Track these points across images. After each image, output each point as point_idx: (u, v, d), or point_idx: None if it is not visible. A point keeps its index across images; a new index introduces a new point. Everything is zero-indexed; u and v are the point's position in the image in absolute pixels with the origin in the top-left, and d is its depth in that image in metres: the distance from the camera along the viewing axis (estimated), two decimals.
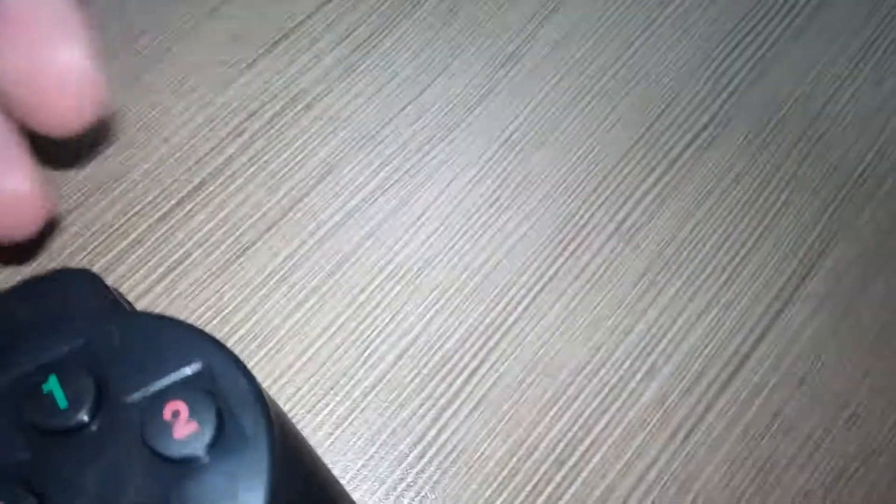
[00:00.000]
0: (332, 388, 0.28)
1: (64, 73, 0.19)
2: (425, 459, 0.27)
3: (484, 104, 0.32)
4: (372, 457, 0.27)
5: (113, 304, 0.24)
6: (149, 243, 0.29)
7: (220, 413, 0.20)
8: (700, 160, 0.32)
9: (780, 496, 0.28)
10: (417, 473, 0.27)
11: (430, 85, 0.32)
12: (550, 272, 0.30)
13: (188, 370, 0.20)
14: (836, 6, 0.35)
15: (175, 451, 0.19)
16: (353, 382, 0.28)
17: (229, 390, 0.20)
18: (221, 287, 0.29)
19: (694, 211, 0.31)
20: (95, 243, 0.28)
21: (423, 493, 0.27)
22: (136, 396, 0.20)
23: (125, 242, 0.29)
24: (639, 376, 0.29)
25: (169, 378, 0.20)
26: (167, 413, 0.20)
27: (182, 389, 0.20)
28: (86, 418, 0.20)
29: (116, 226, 0.29)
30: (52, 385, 0.20)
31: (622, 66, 0.33)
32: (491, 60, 0.32)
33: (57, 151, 0.29)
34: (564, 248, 0.30)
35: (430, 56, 0.32)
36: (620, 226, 0.31)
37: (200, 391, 0.20)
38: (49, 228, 0.28)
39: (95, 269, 0.28)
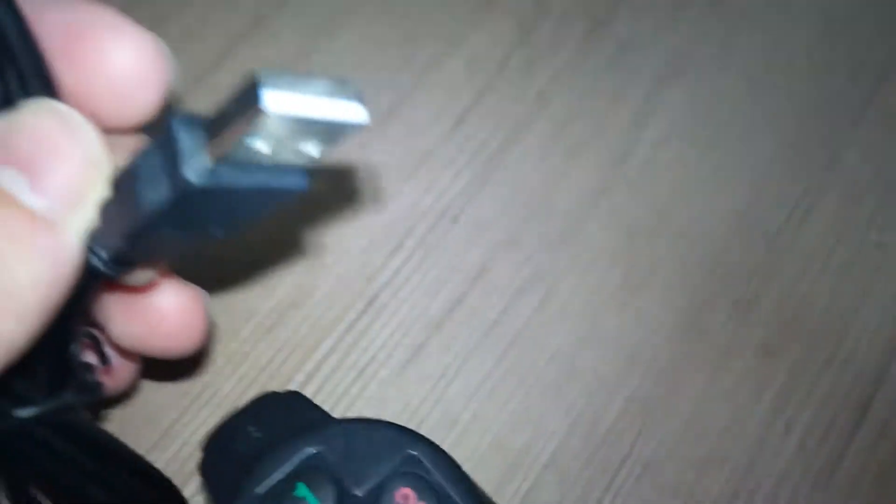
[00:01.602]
0: (514, 465, 0.31)
1: (124, 69, 0.19)
2: None
3: (604, 201, 0.36)
4: None
5: (323, 415, 0.28)
6: (339, 352, 0.33)
7: (438, 492, 0.24)
8: (799, 232, 0.36)
9: None
10: None
11: (555, 189, 0.36)
12: (686, 346, 0.34)
13: (402, 461, 0.25)
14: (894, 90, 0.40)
15: None
16: (531, 458, 0.32)
17: (437, 471, 0.25)
18: (405, 384, 0.32)
19: (801, 278, 0.35)
20: (295, 355, 0.32)
21: None
22: (366, 489, 0.24)
23: (319, 354, 0.32)
24: (779, 429, 0.33)
25: (388, 469, 0.25)
26: (399, 498, 0.24)
27: (403, 477, 0.24)
28: None
29: (309, 340, 0.33)
30: (303, 491, 0.24)
31: (715, 160, 0.38)
32: (604, 162, 0.37)
33: (247, 279, 0.33)
34: (694, 324, 0.34)
35: (550, 164, 0.37)
36: (737, 301, 0.35)
37: (418, 477, 0.24)
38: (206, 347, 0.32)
39: (296, 379, 0.32)
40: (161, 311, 0.23)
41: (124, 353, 0.25)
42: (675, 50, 0.40)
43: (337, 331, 0.33)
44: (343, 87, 0.16)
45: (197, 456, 0.27)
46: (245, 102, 0.15)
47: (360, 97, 0.16)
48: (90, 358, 0.23)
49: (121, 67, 0.19)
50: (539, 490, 0.31)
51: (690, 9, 0.41)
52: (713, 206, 0.36)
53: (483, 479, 0.31)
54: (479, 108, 0.38)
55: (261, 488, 0.24)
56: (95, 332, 0.24)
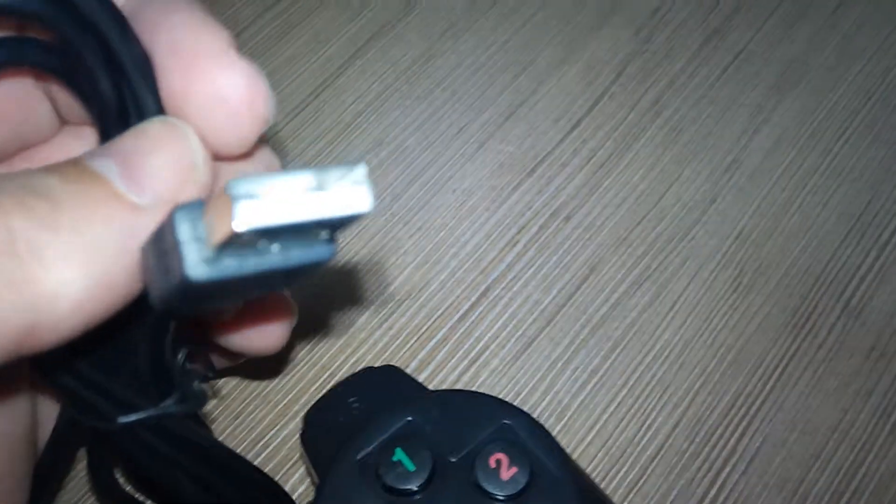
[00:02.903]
0: (620, 457, 0.32)
1: (221, 91, 0.20)
2: None
3: (714, 206, 0.37)
4: (608, 495, 0.31)
5: (419, 387, 0.29)
6: (452, 341, 0.34)
7: (531, 458, 0.25)
8: None
9: None
10: None
11: (665, 194, 0.37)
12: (794, 347, 0.34)
13: (496, 430, 0.26)
14: None
15: (503, 491, 0.25)
16: (637, 450, 0.33)
17: (531, 441, 0.26)
18: (516, 374, 0.34)
19: None
20: (410, 343, 0.34)
21: None
22: (460, 454, 0.25)
23: (433, 342, 0.34)
24: (885, 431, 0.33)
25: (482, 436, 0.26)
26: (492, 462, 0.25)
27: (497, 443, 0.25)
28: (429, 477, 0.25)
29: (424, 328, 0.34)
30: (400, 455, 0.25)
31: (827, 168, 0.38)
32: (715, 169, 0.38)
33: (365, 270, 0.35)
34: (803, 325, 0.35)
35: (661, 170, 0.38)
36: (848, 304, 0.35)
37: (512, 444, 0.25)
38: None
39: (412, 365, 0.34)
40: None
41: (226, 352, 0.27)
42: (791, 60, 0.41)
43: (451, 321, 0.34)
44: (332, 175, 0.15)
45: None
46: (224, 215, 0.15)
47: (360, 181, 0.15)
48: (196, 369, 0.25)
49: (219, 101, 0.20)
50: (646, 480, 0.32)
51: (807, 20, 0.42)
52: (824, 211, 0.37)
53: (589, 467, 0.32)
54: (596, 113, 0.39)
55: (360, 454, 0.26)
56: (201, 345, 0.26)
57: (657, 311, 0.35)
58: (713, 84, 0.40)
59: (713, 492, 0.32)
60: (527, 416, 0.27)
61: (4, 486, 0.23)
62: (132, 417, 0.22)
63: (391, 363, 0.33)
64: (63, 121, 0.23)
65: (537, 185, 0.37)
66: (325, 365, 0.34)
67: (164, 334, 0.22)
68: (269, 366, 0.33)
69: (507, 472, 0.25)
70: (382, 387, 0.30)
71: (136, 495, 0.27)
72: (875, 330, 0.35)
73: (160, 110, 0.20)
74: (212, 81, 0.19)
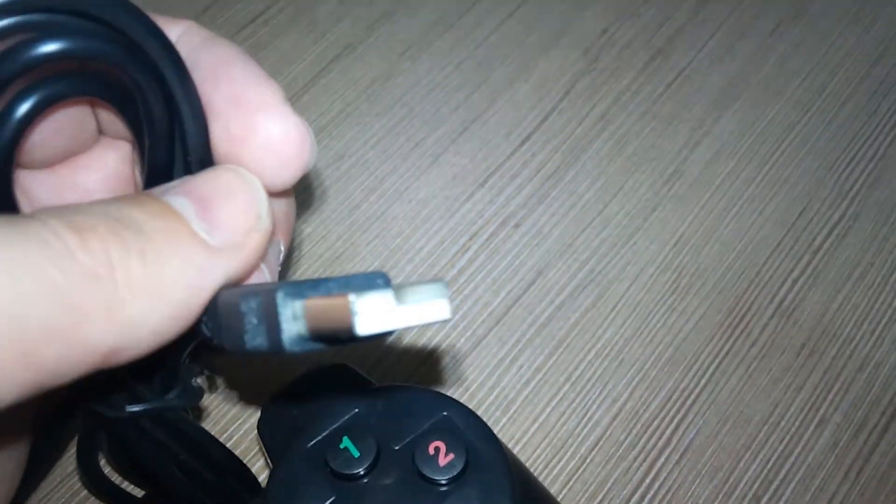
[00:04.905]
0: (561, 447, 0.34)
1: (275, 139, 0.22)
2: (645, 503, 0.34)
3: (655, 214, 0.39)
4: (600, 502, 0.33)
5: (367, 382, 0.31)
6: (405, 341, 0.36)
7: (467, 446, 0.27)
8: (839, 248, 0.39)
9: None
10: None
11: (610, 202, 0.39)
12: (728, 345, 0.36)
13: (436, 421, 0.28)
14: None
15: (441, 476, 0.26)
16: (578, 441, 0.35)
17: (468, 431, 0.28)
18: (466, 370, 0.36)
19: (840, 289, 0.38)
20: (365, 345, 0.36)
21: None
22: (402, 443, 0.28)
23: (387, 342, 0.36)
24: (813, 425, 0.35)
25: (423, 426, 0.28)
26: (431, 450, 0.27)
27: (436, 433, 0.27)
28: (372, 463, 0.27)
29: None
30: (346, 443, 0.27)
31: (763, 178, 0.40)
32: (657, 180, 0.40)
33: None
34: (737, 325, 0.37)
35: (606, 180, 0.40)
36: (780, 305, 0.37)
37: (450, 433, 0.27)
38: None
39: (368, 363, 0.36)
40: (269, 132, 0.24)
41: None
42: (731, 78, 0.43)
43: None
44: (431, 290, 0.17)
45: None
46: (340, 318, 0.16)
47: (446, 296, 0.17)
48: (195, 366, 0.27)
49: (273, 147, 0.22)
50: (585, 469, 0.34)
51: (746, 40, 0.44)
52: (760, 218, 0.39)
53: (532, 457, 0.34)
54: (545, 127, 0.41)
55: (310, 442, 0.28)
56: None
57: (599, 311, 0.37)
58: (656, 100, 0.42)
59: (648, 479, 0.34)
60: (464, 407, 0.29)
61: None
62: (138, 407, 0.25)
63: (345, 362, 0.35)
64: (102, 132, 0.25)
65: (489, 195, 0.39)
66: (281, 364, 0.36)
67: (188, 345, 0.24)
68: (233, 366, 0.35)
69: (444, 459, 0.27)
70: (333, 382, 0.32)
71: (121, 483, 0.29)
72: (806, 329, 0.37)
73: (208, 152, 0.22)
74: (268, 131, 0.22)
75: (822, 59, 0.44)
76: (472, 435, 0.28)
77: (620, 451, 0.34)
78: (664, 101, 0.42)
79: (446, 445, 0.27)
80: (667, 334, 0.37)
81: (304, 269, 0.37)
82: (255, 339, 0.19)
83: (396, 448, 0.27)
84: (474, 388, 0.35)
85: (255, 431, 0.32)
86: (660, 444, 0.35)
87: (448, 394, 0.34)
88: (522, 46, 0.43)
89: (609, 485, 0.34)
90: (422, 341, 0.36)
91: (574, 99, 0.42)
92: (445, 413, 0.28)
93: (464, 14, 0.44)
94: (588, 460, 0.34)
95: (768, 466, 0.34)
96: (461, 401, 0.34)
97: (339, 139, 0.41)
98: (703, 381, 0.36)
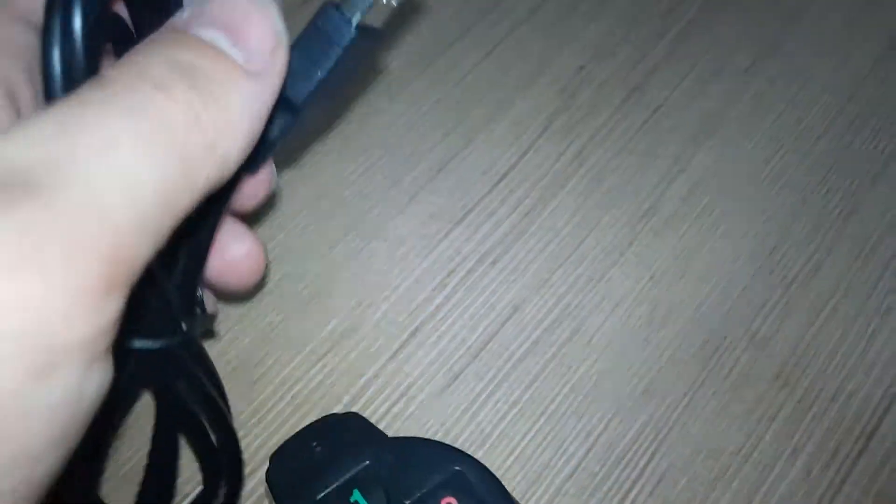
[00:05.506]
0: (536, 480, 0.35)
1: (239, 261, 0.30)
2: None
3: (631, 249, 0.40)
4: None
5: (379, 434, 0.32)
6: (383, 377, 0.37)
7: (480, 503, 0.27)
8: (813, 280, 0.39)
9: None
10: None
11: (587, 238, 0.40)
12: (703, 376, 0.37)
13: (449, 475, 0.28)
14: None
15: None
16: (553, 473, 0.35)
17: (481, 486, 0.28)
18: (442, 406, 0.36)
19: (814, 320, 0.38)
20: (343, 380, 0.37)
21: None
22: (413, 498, 0.28)
23: (364, 378, 0.37)
24: (786, 454, 0.35)
25: (435, 481, 0.28)
26: None
27: (448, 489, 0.28)
28: None
29: (356, 367, 0.37)
30: (357, 496, 0.28)
31: (738, 213, 0.41)
32: (633, 215, 0.41)
33: (304, 311, 0.38)
34: (711, 357, 0.37)
35: (583, 216, 0.41)
36: (754, 336, 0.38)
37: (462, 489, 0.28)
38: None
39: (346, 399, 0.36)
40: (234, 252, 0.30)
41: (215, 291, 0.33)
42: (707, 114, 0.44)
43: (382, 358, 0.37)
44: None
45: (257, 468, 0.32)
46: None
47: None
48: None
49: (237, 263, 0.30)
50: (560, 501, 0.34)
51: (722, 77, 0.45)
52: (734, 252, 0.40)
53: (508, 488, 0.34)
54: (522, 165, 0.42)
55: (320, 494, 0.28)
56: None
57: (575, 346, 0.38)
58: (633, 136, 0.43)
59: None
60: (478, 463, 0.29)
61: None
62: (177, 337, 0.28)
63: (328, 396, 0.36)
64: None
65: (466, 232, 0.40)
66: (263, 402, 0.36)
67: (204, 256, 0.28)
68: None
69: None
70: (344, 432, 0.32)
71: None
72: (780, 359, 0.37)
73: None
74: (233, 251, 0.31)
75: (797, 95, 0.44)
76: (485, 491, 0.28)
77: (595, 482, 0.35)
78: (640, 138, 0.43)
79: (458, 502, 0.27)
80: (641, 367, 0.37)
81: (281, 307, 0.38)
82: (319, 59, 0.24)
83: (407, 503, 0.28)
84: (451, 422, 0.36)
85: (264, 480, 0.32)
86: (633, 475, 0.35)
87: (426, 430, 0.35)
88: (499, 85, 0.44)
89: None
90: (398, 377, 0.37)
91: (551, 136, 0.43)
92: (458, 468, 0.29)
93: (441, 53, 0.45)
94: (563, 492, 0.35)
95: (741, 497, 0.35)
96: (440, 435, 0.35)
97: (317, 178, 0.42)
98: (676, 413, 0.36)
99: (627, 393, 0.37)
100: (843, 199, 0.41)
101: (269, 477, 0.31)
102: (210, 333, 0.36)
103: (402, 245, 0.40)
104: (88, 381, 0.17)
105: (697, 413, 0.36)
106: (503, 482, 0.34)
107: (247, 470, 0.34)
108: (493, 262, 0.39)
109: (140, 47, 0.20)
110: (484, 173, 0.42)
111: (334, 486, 0.28)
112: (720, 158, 0.43)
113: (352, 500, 0.28)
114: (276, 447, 0.32)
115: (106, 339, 0.17)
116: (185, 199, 0.19)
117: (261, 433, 0.35)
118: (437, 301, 0.39)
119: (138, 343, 0.26)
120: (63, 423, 0.17)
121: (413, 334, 0.38)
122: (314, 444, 0.31)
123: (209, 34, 0.20)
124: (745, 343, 0.38)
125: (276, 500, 0.31)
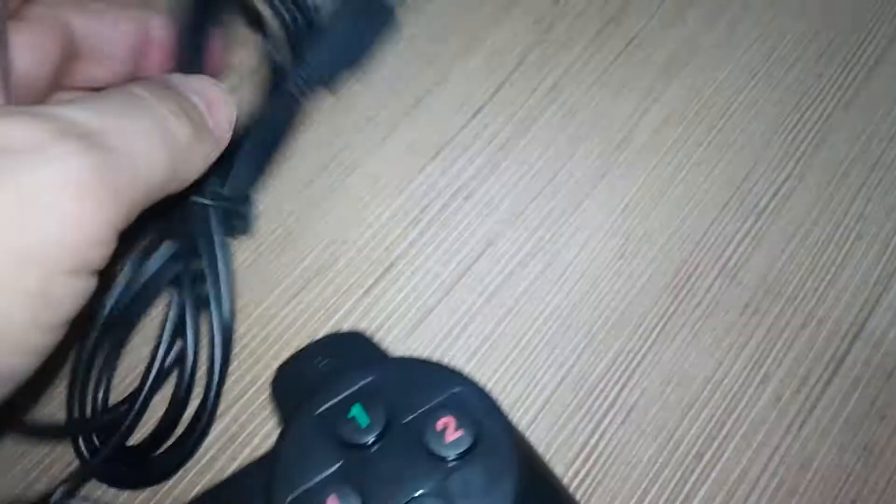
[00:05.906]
0: (509, 411, 0.35)
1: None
2: (590, 463, 0.35)
3: (604, 181, 0.40)
4: (547, 463, 0.34)
5: (381, 353, 0.32)
6: (357, 313, 0.37)
7: (476, 424, 0.28)
8: (784, 208, 0.39)
9: (882, 471, 0.34)
10: (584, 475, 0.35)
11: (560, 171, 0.40)
12: (674, 306, 0.37)
13: (447, 396, 0.29)
14: (879, 79, 0.43)
15: (447, 452, 0.27)
16: (525, 405, 0.36)
17: (478, 409, 0.28)
18: (415, 341, 0.37)
19: (784, 248, 0.38)
20: (318, 316, 0.37)
21: (589, 492, 0.34)
22: (412, 415, 0.28)
23: (339, 314, 0.37)
24: (756, 381, 0.36)
25: (434, 401, 0.29)
26: (439, 425, 0.28)
27: (446, 408, 0.28)
28: (381, 434, 0.28)
29: (331, 303, 0.37)
30: (356, 412, 0.28)
31: (711, 143, 0.41)
32: (606, 147, 0.41)
33: (279, 250, 0.38)
34: (682, 287, 0.38)
35: (556, 149, 0.41)
36: (725, 266, 0.38)
37: (460, 409, 0.28)
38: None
39: (319, 335, 0.37)
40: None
41: None
42: (681, 42, 0.44)
43: (357, 294, 0.38)
44: None
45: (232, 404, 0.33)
46: None
47: None
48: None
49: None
50: (532, 433, 0.35)
51: (698, 4, 0.45)
52: (706, 182, 0.40)
53: None
54: (497, 99, 0.42)
55: (320, 408, 0.29)
56: None
57: (548, 278, 0.38)
58: (607, 69, 0.43)
59: (594, 440, 0.35)
60: (476, 385, 0.29)
61: None
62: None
63: (302, 332, 0.37)
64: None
65: (440, 167, 0.40)
66: (236, 340, 0.37)
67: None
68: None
69: (451, 435, 0.28)
70: (348, 349, 0.33)
71: None
72: (750, 288, 0.38)
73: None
74: None
75: (771, 22, 0.44)
76: (481, 413, 0.28)
77: (567, 412, 0.36)
78: (615, 70, 0.43)
79: (455, 422, 0.28)
80: (613, 299, 0.38)
81: (254, 247, 0.38)
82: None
83: (405, 421, 0.28)
84: (425, 356, 0.36)
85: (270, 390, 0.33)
86: (605, 405, 0.36)
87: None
88: (474, 17, 0.44)
89: (556, 446, 0.35)
90: (372, 313, 0.37)
91: (526, 70, 0.43)
92: (457, 389, 0.29)
93: None
94: (536, 423, 0.35)
95: (711, 423, 0.35)
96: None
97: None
98: (648, 343, 0.37)
99: (600, 324, 0.37)
100: (815, 127, 0.41)
101: (274, 388, 0.32)
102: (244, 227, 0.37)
103: (377, 181, 0.40)
104: (90, 285, 0.24)
105: (668, 343, 0.37)
106: None
107: (220, 407, 0.34)
108: (467, 197, 0.40)
109: (151, 86, 0.28)
110: (459, 108, 0.42)
111: (335, 400, 0.29)
112: (693, 88, 0.42)
113: (350, 415, 0.28)
114: (249, 385, 0.32)
115: (104, 262, 0.24)
116: (171, 185, 0.27)
117: (235, 370, 0.36)
118: (411, 237, 0.39)
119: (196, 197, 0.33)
120: (67, 314, 0.24)
121: (387, 270, 0.38)
122: (318, 358, 0.32)
123: (196, 99, 0.29)
124: (717, 272, 0.38)
125: (280, 411, 0.32)
